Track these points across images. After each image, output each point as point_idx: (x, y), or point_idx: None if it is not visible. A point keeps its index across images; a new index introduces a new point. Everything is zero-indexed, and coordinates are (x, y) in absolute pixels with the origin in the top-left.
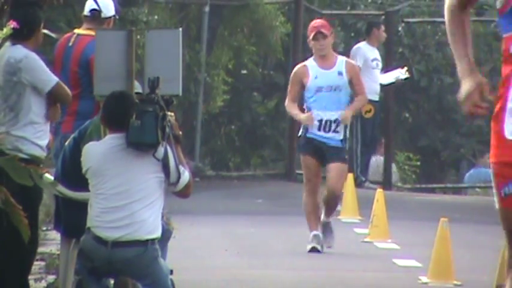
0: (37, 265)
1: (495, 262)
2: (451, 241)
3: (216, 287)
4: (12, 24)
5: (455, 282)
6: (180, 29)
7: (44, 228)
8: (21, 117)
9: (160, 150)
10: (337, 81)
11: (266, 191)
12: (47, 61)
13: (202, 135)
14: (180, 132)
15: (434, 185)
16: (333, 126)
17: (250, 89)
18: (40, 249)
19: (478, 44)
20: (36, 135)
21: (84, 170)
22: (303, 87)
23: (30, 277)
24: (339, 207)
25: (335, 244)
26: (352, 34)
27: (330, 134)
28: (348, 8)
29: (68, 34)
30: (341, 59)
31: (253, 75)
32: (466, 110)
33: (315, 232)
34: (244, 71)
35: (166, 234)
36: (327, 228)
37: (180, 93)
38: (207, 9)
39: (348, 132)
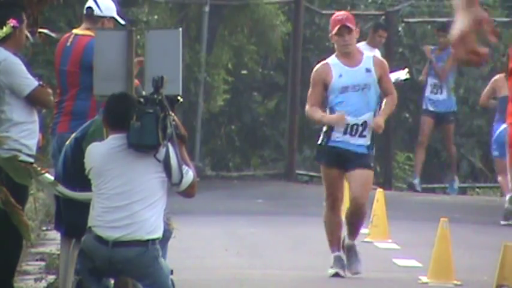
0: (37, 265)
1: (495, 262)
2: (451, 241)
3: (216, 287)
4: (12, 22)
5: (455, 282)
6: (180, 29)
7: (44, 228)
8: (4, 120)
9: (162, 151)
10: (365, 79)
11: (266, 191)
12: (46, 61)
13: (202, 135)
14: (185, 132)
15: (435, 185)
16: (360, 129)
17: (250, 89)
18: (40, 249)
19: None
20: (21, 135)
21: (87, 170)
22: (325, 88)
23: (30, 277)
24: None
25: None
26: None
27: (356, 139)
28: (348, 8)
29: (67, 34)
30: (368, 55)
31: (253, 75)
32: (458, 56)
33: (336, 253)
34: (244, 71)
35: (166, 234)
36: (351, 252)
37: (180, 93)
38: (207, 9)
39: (374, 136)
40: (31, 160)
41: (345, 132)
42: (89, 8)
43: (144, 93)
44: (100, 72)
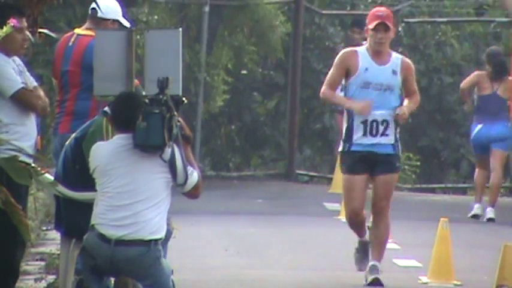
0: (37, 265)
1: (495, 262)
2: (451, 241)
3: (216, 287)
4: (12, 22)
5: (455, 282)
6: (180, 29)
7: (44, 228)
8: None
9: (167, 152)
10: (390, 80)
11: (266, 191)
12: (46, 61)
13: (202, 135)
14: (190, 133)
15: (435, 185)
16: (381, 128)
17: (250, 89)
18: (40, 249)
19: (478, 44)
20: (12, 137)
21: (91, 169)
22: (347, 75)
23: (30, 277)
24: (338, 207)
25: (335, 244)
26: None
27: (379, 139)
28: (348, 8)
29: (68, 34)
30: (397, 56)
31: (253, 75)
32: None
33: (363, 238)
34: (244, 71)
35: (166, 234)
36: (373, 271)
37: (180, 93)
38: (207, 9)
39: (398, 134)
40: (29, 160)
41: (364, 134)
42: (93, 9)
43: (144, 93)
44: (100, 73)
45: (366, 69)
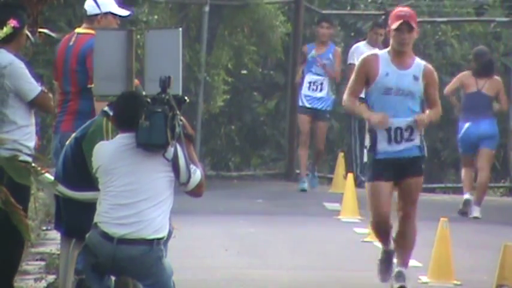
0: (37, 265)
1: (495, 262)
2: (451, 241)
3: (216, 287)
4: (12, 23)
5: (455, 282)
6: (180, 29)
7: (44, 228)
8: (6, 122)
9: (170, 151)
10: (411, 86)
11: (266, 191)
12: (46, 61)
13: (202, 135)
14: (193, 132)
15: (435, 185)
16: (406, 134)
17: (250, 88)
18: (40, 249)
19: (478, 44)
20: (24, 138)
21: (94, 168)
22: (367, 82)
23: (30, 277)
24: (338, 207)
25: (335, 244)
26: (352, 34)
27: (404, 145)
28: (348, 7)
29: (69, 34)
30: (419, 62)
31: (253, 75)
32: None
33: (386, 247)
34: (244, 71)
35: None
36: (399, 279)
37: (180, 93)
38: (207, 9)
39: (423, 137)
40: (30, 159)
41: (389, 141)
42: (84, 9)
43: (144, 93)
44: (100, 72)
45: (387, 74)
